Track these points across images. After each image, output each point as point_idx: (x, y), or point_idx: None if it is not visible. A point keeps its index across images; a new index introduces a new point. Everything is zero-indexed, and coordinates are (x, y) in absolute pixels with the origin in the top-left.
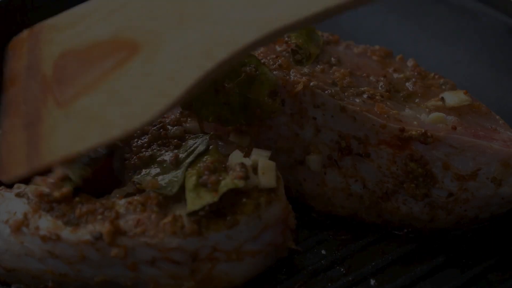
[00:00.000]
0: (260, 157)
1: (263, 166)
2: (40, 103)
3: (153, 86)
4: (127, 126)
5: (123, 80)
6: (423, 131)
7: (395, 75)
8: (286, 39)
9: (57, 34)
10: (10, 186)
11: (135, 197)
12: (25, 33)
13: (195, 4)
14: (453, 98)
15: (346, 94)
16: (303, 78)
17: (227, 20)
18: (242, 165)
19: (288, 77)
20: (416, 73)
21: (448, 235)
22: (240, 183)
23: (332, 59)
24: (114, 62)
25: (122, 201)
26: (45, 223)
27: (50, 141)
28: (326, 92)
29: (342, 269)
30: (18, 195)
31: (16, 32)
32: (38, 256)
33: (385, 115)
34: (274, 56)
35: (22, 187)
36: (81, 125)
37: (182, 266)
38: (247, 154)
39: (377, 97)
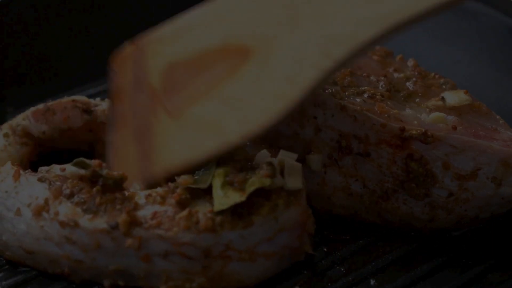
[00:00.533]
0: (287, 158)
1: (290, 167)
2: (150, 114)
3: (270, 90)
4: (245, 131)
5: (237, 85)
6: (423, 130)
7: (396, 75)
8: None
9: (163, 46)
10: (35, 169)
11: (157, 190)
12: (128, 48)
13: (305, 4)
14: (454, 97)
15: (346, 93)
16: None
17: (342, 17)
18: (269, 163)
19: None
20: (416, 73)
21: (448, 235)
22: (267, 181)
23: None
24: (225, 69)
25: (143, 193)
26: (65, 209)
27: (164, 152)
28: (326, 91)
29: (342, 269)
30: (40, 179)
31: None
32: (56, 240)
33: (386, 115)
34: None
35: (43, 171)
36: (195, 134)
37: (194, 261)
38: (273, 155)
39: (377, 96)
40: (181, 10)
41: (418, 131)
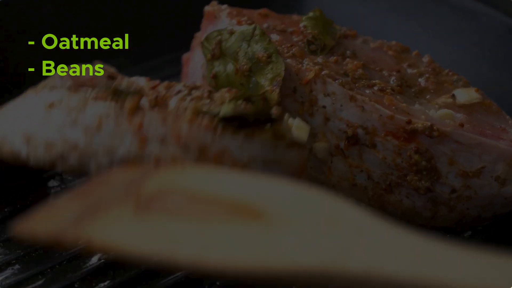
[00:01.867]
0: (298, 119)
1: (299, 124)
2: (118, 202)
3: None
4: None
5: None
6: (429, 124)
7: (409, 71)
8: (302, 29)
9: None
10: None
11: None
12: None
13: None
14: (464, 95)
15: (356, 85)
16: (316, 67)
17: None
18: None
19: (301, 65)
20: (430, 69)
21: (448, 235)
22: (275, 96)
23: (347, 51)
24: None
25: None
26: (78, 97)
27: (107, 224)
28: (336, 81)
29: None
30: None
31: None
32: (59, 123)
33: (394, 107)
34: (289, 44)
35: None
36: (149, 232)
37: (188, 153)
38: None
39: (387, 90)
40: None
41: (424, 124)
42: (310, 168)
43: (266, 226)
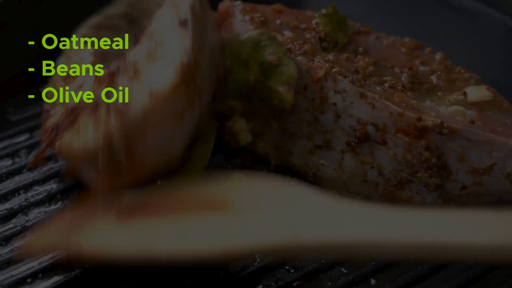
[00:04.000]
0: None
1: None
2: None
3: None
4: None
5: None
6: (439, 121)
7: (422, 68)
8: (315, 26)
9: None
10: None
11: None
12: None
13: None
14: (475, 93)
15: (367, 82)
16: (326, 64)
17: None
18: None
19: (312, 63)
20: (442, 67)
21: None
22: None
23: (360, 48)
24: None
25: None
26: None
27: (93, 232)
28: (347, 78)
29: (342, 269)
30: None
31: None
32: None
33: (404, 104)
34: (301, 42)
35: None
36: (131, 235)
37: None
38: None
39: (398, 87)
40: None
41: (435, 121)
42: (322, 165)
43: (231, 214)
